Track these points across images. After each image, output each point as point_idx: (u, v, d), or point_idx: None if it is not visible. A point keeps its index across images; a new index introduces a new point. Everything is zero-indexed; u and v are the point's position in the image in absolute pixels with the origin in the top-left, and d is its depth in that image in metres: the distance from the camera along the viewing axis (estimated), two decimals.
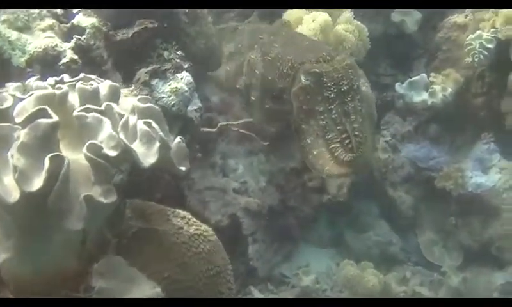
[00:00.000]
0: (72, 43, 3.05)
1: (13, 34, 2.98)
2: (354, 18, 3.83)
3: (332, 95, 2.22)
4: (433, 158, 4.06)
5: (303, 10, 3.68)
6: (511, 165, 3.90)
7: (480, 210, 3.87)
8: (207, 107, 3.57)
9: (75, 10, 3.22)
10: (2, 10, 3.04)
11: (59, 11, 3.18)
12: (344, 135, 2.18)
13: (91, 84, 2.04)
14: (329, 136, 2.19)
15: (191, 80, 3.15)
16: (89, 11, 3.21)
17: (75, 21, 3.15)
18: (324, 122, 2.21)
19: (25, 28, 3.07)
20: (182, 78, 3.11)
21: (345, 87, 2.24)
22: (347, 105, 2.23)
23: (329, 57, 2.35)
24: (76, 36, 3.06)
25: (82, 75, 2.15)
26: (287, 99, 2.41)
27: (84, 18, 3.16)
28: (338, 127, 2.19)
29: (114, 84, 2.09)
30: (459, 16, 4.22)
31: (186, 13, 3.46)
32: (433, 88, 4.03)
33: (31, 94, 1.94)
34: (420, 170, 4.10)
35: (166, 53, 3.34)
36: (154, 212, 2.27)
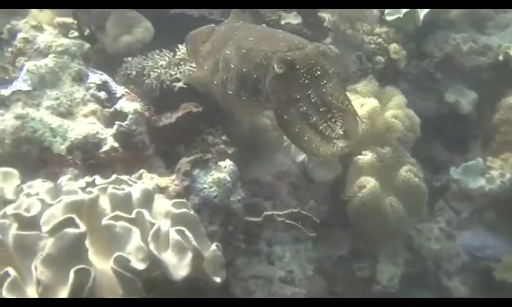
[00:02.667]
0: (113, 130, 2.99)
1: (55, 121, 2.95)
2: (406, 100, 3.70)
3: (307, 81, 2.18)
4: (490, 248, 3.85)
5: (352, 95, 3.57)
6: None
7: None
8: (252, 191, 3.46)
9: (118, 94, 3.18)
10: (46, 96, 3.02)
11: (102, 96, 3.14)
12: (328, 115, 2.13)
13: (123, 188, 1.94)
14: (314, 120, 2.13)
15: (235, 168, 3.06)
16: (132, 95, 3.16)
17: (118, 106, 3.10)
18: (305, 108, 2.16)
19: (67, 114, 3.04)
20: (225, 167, 3.01)
21: (318, 72, 2.18)
22: (324, 87, 2.18)
23: (301, 46, 2.30)
24: (118, 123, 3.00)
25: (114, 176, 2.06)
26: (263, 89, 2.38)
27: (127, 103, 3.11)
28: (321, 109, 2.13)
29: (147, 187, 1.99)
30: None
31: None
32: (490, 174, 3.85)
33: (59, 200, 1.85)
34: (477, 259, 3.88)
35: (210, 137, 3.26)
36: None
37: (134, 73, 3.36)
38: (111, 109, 3.11)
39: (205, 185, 2.92)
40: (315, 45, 2.36)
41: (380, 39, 3.91)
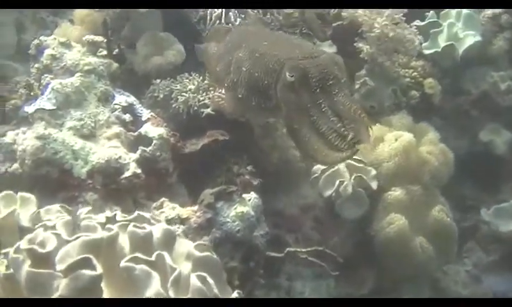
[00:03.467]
0: (137, 155, 2.90)
1: (78, 143, 2.87)
2: (439, 136, 3.58)
3: (318, 90, 2.15)
4: None
5: (385, 129, 3.46)
6: None
7: None
8: (275, 224, 3.36)
9: (144, 118, 3.09)
10: (69, 116, 2.94)
11: (127, 118, 3.05)
12: (338, 125, 2.10)
13: (144, 227, 1.84)
14: (323, 129, 2.11)
15: (259, 202, 2.95)
16: (158, 120, 3.08)
17: (142, 130, 3.02)
18: (315, 117, 2.14)
19: (90, 136, 2.96)
20: (249, 200, 2.90)
21: (330, 82, 2.16)
22: (336, 97, 2.15)
23: (316, 55, 2.27)
24: (142, 148, 2.91)
25: (136, 213, 1.96)
26: (273, 95, 2.34)
27: (152, 128, 3.03)
28: (331, 118, 2.11)
29: (169, 228, 1.89)
30: None
31: (261, 125, 3.29)
32: None
33: (77, 238, 1.76)
34: None
35: (235, 167, 3.16)
36: None
37: (161, 96, 3.28)
38: (136, 133, 3.04)
39: (228, 219, 2.82)
40: (329, 54, 2.33)
41: (416, 73, 3.80)
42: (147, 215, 1.97)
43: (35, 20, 4.07)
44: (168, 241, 1.88)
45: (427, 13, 4.06)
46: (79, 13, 3.60)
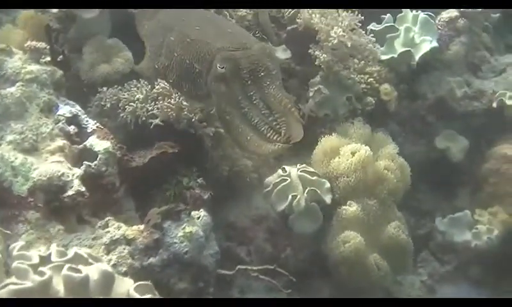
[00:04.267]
0: (81, 170, 2.77)
1: (18, 158, 2.73)
2: (397, 149, 3.52)
3: (249, 82, 2.15)
4: None
5: (341, 140, 3.38)
6: None
7: None
8: (226, 236, 3.28)
9: (89, 129, 2.96)
10: (9, 129, 2.79)
11: (71, 130, 2.91)
12: (270, 118, 2.10)
13: (80, 270, 1.73)
14: (255, 121, 2.11)
15: (209, 219, 2.85)
16: (104, 132, 2.95)
17: (88, 143, 2.89)
18: (246, 109, 2.13)
19: (32, 149, 2.82)
20: (198, 218, 2.80)
21: (262, 74, 2.15)
22: (267, 89, 2.15)
23: (248, 45, 2.26)
24: (86, 163, 2.78)
25: (73, 252, 1.84)
26: (204, 84, 2.33)
27: (98, 141, 2.90)
28: (263, 111, 2.12)
29: (107, 269, 1.77)
30: (510, 148, 3.88)
31: (211, 135, 3.18)
32: (477, 229, 3.65)
33: (4, 286, 1.64)
34: None
35: (185, 180, 3.08)
36: None
37: (108, 105, 3.18)
38: (81, 146, 2.90)
39: (175, 240, 2.71)
40: (261, 45, 2.31)
41: (371, 79, 3.72)
42: (85, 254, 1.85)
43: None
44: (107, 283, 1.77)
45: (383, 16, 3.97)
46: (23, 15, 3.43)
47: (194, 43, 2.36)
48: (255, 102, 2.12)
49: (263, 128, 2.08)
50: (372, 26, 3.92)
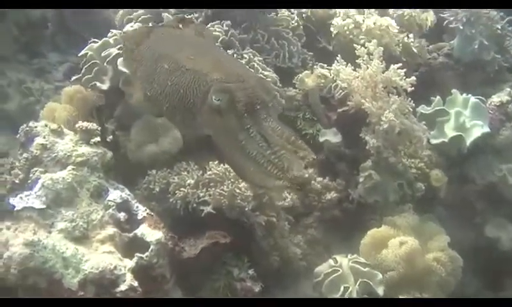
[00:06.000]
0: (133, 263, 2.67)
1: (69, 249, 2.63)
2: (448, 240, 3.41)
3: (246, 115, 2.08)
4: None
5: (389, 231, 3.28)
6: None
7: None
8: None
9: (139, 216, 2.86)
10: (60, 216, 2.71)
11: (122, 217, 2.82)
12: (268, 152, 2.03)
13: None
14: (254, 154, 2.04)
15: None
16: (154, 220, 2.85)
17: (138, 232, 2.80)
18: (243, 142, 2.06)
19: (83, 238, 2.73)
20: None
21: (258, 107, 2.09)
22: (265, 122, 2.09)
23: (245, 77, 2.18)
24: (138, 255, 2.69)
25: None
26: (199, 115, 2.24)
27: (149, 231, 2.80)
28: (261, 144, 2.04)
29: None
30: None
31: (263, 225, 3.09)
32: None
33: None
34: None
35: (235, 270, 2.98)
36: None
37: (157, 189, 3.09)
38: (131, 234, 2.81)
39: None
40: (257, 77, 2.30)
41: (422, 164, 3.63)
42: None
43: (19, 89, 3.85)
44: None
45: (433, 98, 3.89)
46: (68, 90, 3.38)
47: (189, 73, 2.28)
48: (252, 135, 2.05)
49: (262, 161, 2.01)
50: (422, 109, 3.83)
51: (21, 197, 2.76)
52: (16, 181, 2.88)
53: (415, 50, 4.00)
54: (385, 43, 3.80)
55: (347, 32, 3.94)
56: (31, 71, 4.36)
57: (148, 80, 2.46)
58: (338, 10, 4.12)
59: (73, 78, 3.32)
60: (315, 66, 3.86)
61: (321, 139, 3.58)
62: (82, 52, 3.33)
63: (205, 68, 2.24)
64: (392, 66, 3.43)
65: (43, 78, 4.33)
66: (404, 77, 3.42)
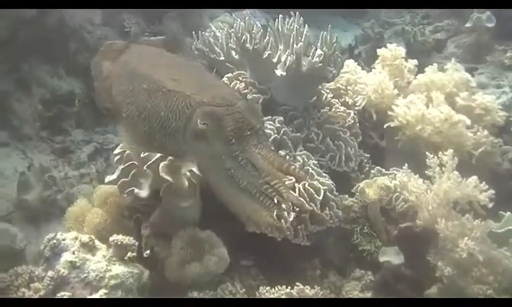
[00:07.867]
0: None
1: None
2: None
3: (233, 140, 1.98)
4: None
5: None
6: None
7: None
8: None
9: None
10: None
11: None
12: (260, 181, 1.92)
13: None
14: (245, 184, 1.94)
15: None
16: None
17: None
18: (232, 171, 1.96)
19: None
20: None
21: (247, 133, 1.99)
22: (255, 149, 1.98)
23: (232, 101, 2.07)
24: None
25: None
26: (181, 139, 2.11)
27: None
28: (252, 173, 1.94)
29: None
30: None
31: None
32: None
33: None
34: None
35: None
36: None
37: None
38: None
39: None
40: (246, 101, 2.16)
41: (490, 291, 3.19)
42: None
43: (40, 177, 3.44)
44: None
45: (501, 212, 3.47)
46: (101, 192, 2.97)
47: (171, 94, 2.14)
48: (241, 164, 1.95)
49: (254, 191, 1.91)
50: (492, 226, 3.40)
51: None
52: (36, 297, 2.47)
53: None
54: (456, 142, 3.45)
55: (411, 126, 3.53)
56: (54, 150, 3.99)
57: (125, 101, 2.28)
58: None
59: (107, 179, 2.89)
60: (372, 171, 3.45)
61: (381, 259, 3.14)
62: (118, 150, 2.92)
63: (188, 90, 2.11)
64: (470, 180, 3.03)
65: (66, 158, 3.94)
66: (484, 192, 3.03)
